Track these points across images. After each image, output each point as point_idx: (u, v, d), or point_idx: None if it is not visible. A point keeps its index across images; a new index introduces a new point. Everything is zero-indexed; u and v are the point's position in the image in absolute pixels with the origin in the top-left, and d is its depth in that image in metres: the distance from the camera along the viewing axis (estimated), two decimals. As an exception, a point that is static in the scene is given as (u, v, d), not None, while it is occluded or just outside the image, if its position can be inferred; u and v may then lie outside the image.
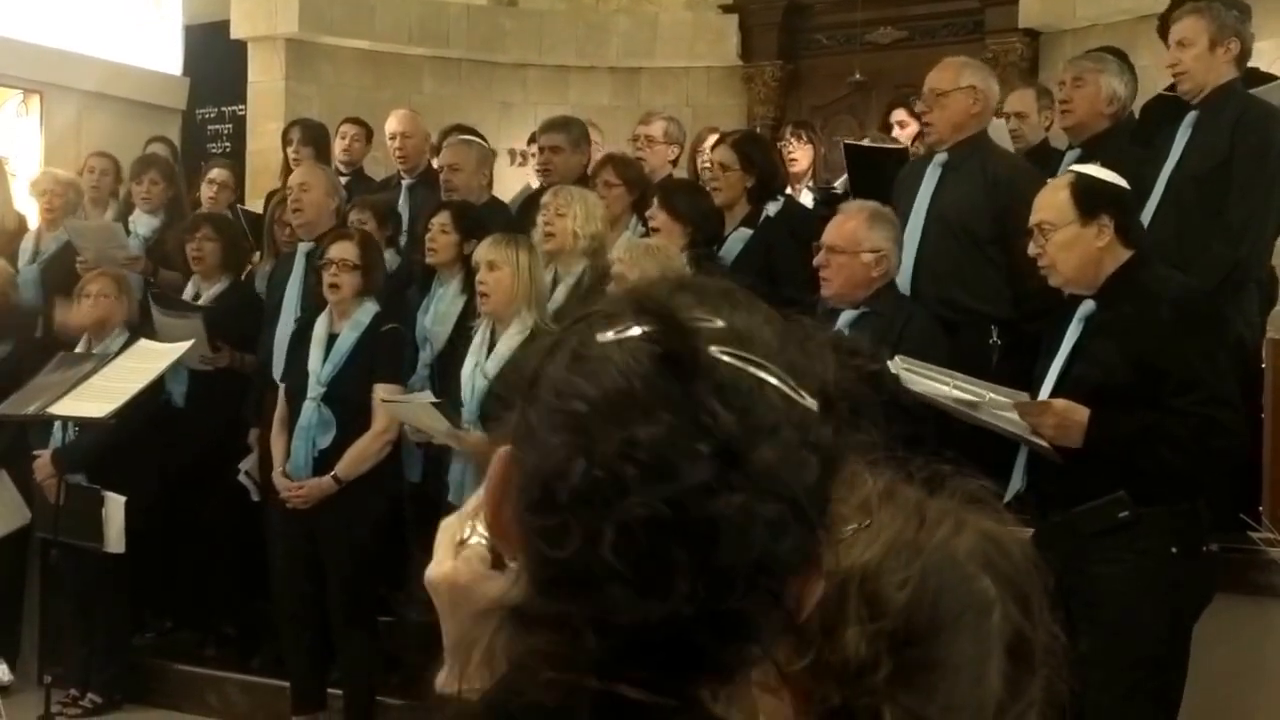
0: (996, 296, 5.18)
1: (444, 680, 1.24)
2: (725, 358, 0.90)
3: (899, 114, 7.65)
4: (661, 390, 0.88)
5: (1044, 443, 3.97)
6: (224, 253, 6.81)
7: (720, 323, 0.92)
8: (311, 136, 7.88)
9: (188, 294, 6.86)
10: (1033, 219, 4.10)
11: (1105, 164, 4.29)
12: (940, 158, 5.40)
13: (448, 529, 1.24)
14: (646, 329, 0.91)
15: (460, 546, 1.21)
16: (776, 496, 0.88)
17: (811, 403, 0.92)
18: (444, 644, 1.24)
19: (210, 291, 6.79)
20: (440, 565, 1.21)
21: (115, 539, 5.76)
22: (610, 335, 0.92)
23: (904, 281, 5.06)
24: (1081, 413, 3.91)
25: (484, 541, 1.20)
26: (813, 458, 0.91)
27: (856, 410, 0.96)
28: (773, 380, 0.90)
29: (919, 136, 6.60)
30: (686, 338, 0.90)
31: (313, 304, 5.98)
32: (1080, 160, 5.13)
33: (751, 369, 0.90)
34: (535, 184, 7.32)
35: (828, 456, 0.92)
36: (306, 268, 6.20)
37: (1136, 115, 5.92)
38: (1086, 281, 4.06)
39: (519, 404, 0.95)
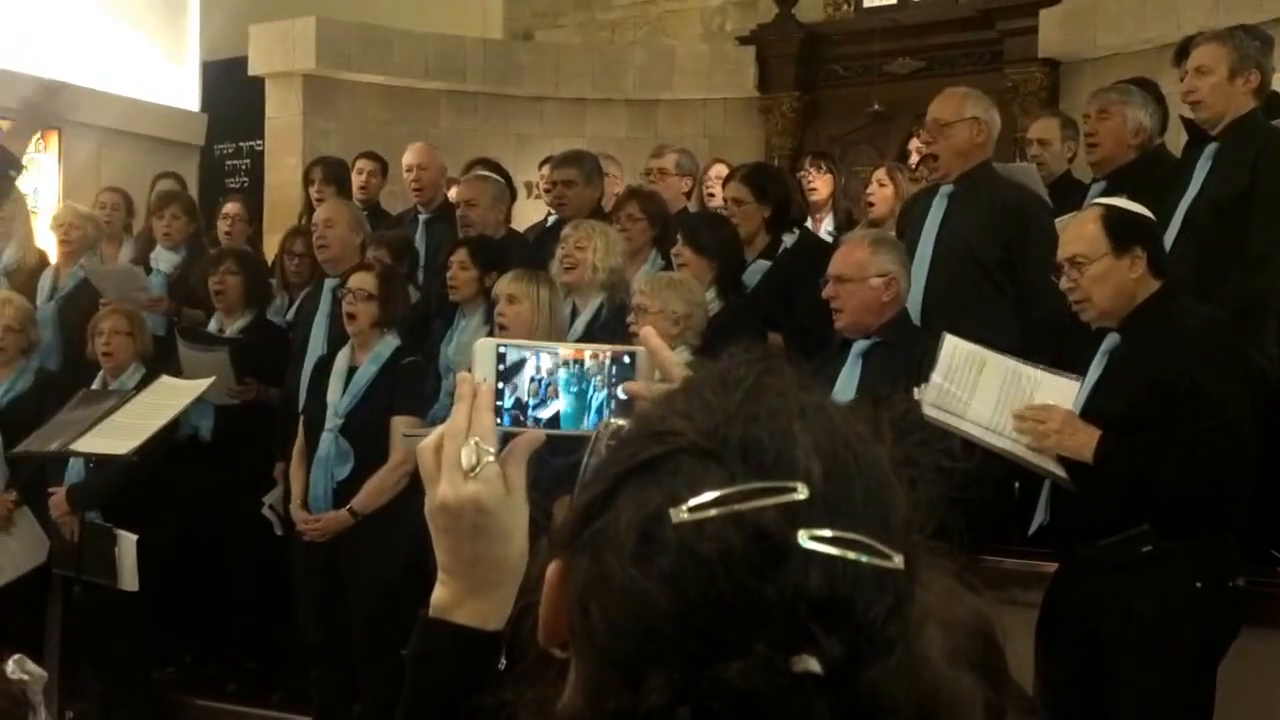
0: (1005, 327, 5.17)
1: (439, 597, 1.30)
2: (818, 546, 0.82)
3: (916, 143, 7.66)
4: (754, 606, 0.81)
5: (1063, 473, 3.94)
6: (247, 287, 6.84)
7: (804, 491, 0.84)
8: (334, 175, 7.90)
9: (211, 329, 6.89)
10: (1063, 253, 4.05)
11: (1132, 196, 4.26)
12: (946, 188, 5.43)
13: (444, 451, 1.26)
14: (729, 510, 0.83)
15: (472, 471, 1.24)
16: None
17: (899, 561, 0.85)
18: (441, 563, 1.29)
19: (234, 326, 6.81)
20: (458, 489, 1.25)
21: (129, 577, 5.75)
22: (686, 514, 0.84)
23: (914, 312, 5.06)
24: (1090, 431, 3.87)
25: (493, 460, 1.25)
26: (908, 641, 0.85)
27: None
28: (865, 559, 0.83)
29: (924, 161, 6.62)
30: (774, 531, 0.83)
31: (338, 338, 6.00)
32: (1106, 193, 5.10)
33: (847, 553, 0.83)
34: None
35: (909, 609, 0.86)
36: (332, 302, 6.22)
37: (1165, 144, 5.90)
38: (1119, 314, 4.01)
39: (584, 539, 0.89)
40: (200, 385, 6.01)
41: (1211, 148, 5.08)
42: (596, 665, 0.87)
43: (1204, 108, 5.13)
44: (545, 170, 7.64)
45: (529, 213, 8.56)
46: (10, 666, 2.33)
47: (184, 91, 10.96)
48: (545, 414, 1.35)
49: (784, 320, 5.74)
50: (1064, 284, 4.05)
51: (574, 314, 5.73)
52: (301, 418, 5.92)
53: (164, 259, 7.67)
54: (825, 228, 7.51)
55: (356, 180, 7.96)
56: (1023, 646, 3.74)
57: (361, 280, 5.74)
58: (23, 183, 9.21)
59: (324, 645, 5.80)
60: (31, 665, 2.36)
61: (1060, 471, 3.95)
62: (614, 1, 11.70)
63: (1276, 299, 4.96)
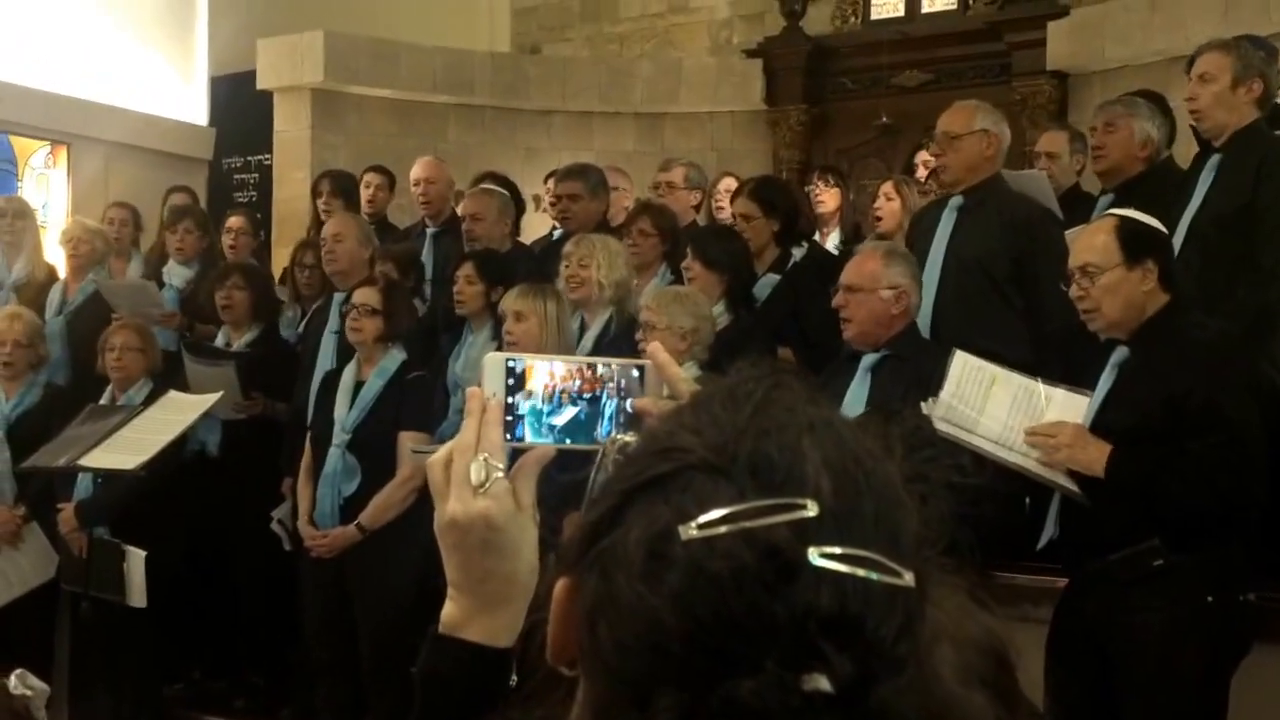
0: (1015, 339, 5.16)
1: (449, 614, 1.30)
2: (829, 564, 0.82)
3: (923, 156, 7.66)
4: (764, 624, 0.80)
5: (1075, 487, 3.92)
6: (254, 302, 6.84)
7: (814, 508, 0.83)
8: (341, 188, 7.92)
9: (218, 344, 6.89)
10: (1075, 261, 4.04)
11: (1140, 208, 4.25)
12: (956, 201, 5.42)
13: (453, 467, 1.26)
14: (739, 528, 0.83)
15: (481, 487, 1.25)
16: None
17: (909, 578, 0.84)
18: (451, 579, 1.29)
19: (241, 340, 6.82)
20: (468, 504, 1.25)
21: (137, 593, 5.75)
22: (694, 531, 0.83)
23: (924, 326, 5.06)
24: (1101, 445, 3.86)
25: (502, 476, 1.25)
26: (919, 660, 0.84)
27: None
28: (876, 576, 0.82)
29: (932, 174, 6.63)
30: (785, 549, 0.82)
31: (347, 353, 6.00)
32: (1114, 205, 5.09)
33: (858, 570, 0.82)
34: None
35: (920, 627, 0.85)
36: (340, 317, 6.23)
37: (1173, 157, 5.88)
38: (1128, 326, 4.00)
39: (592, 556, 0.89)
40: (208, 400, 6.01)
41: (1215, 159, 5.07)
42: (605, 684, 0.86)
43: (1205, 116, 5.11)
44: (550, 184, 7.64)
45: (537, 226, 8.57)
46: (13, 681, 2.34)
47: (192, 106, 10.98)
48: (559, 421, 1.35)
49: (791, 334, 5.74)
50: (1074, 292, 4.03)
51: (582, 328, 5.72)
52: (309, 433, 5.92)
53: (177, 274, 7.68)
54: (832, 241, 7.51)
55: (364, 194, 7.97)
56: (1034, 663, 3.71)
57: (364, 296, 5.74)
58: (31, 197, 9.27)
59: (332, 661, 5.79)
60: (34, 680, 2.36)
61: (1072, 485, 3.93)
62: (621, 14, 11.73)
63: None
